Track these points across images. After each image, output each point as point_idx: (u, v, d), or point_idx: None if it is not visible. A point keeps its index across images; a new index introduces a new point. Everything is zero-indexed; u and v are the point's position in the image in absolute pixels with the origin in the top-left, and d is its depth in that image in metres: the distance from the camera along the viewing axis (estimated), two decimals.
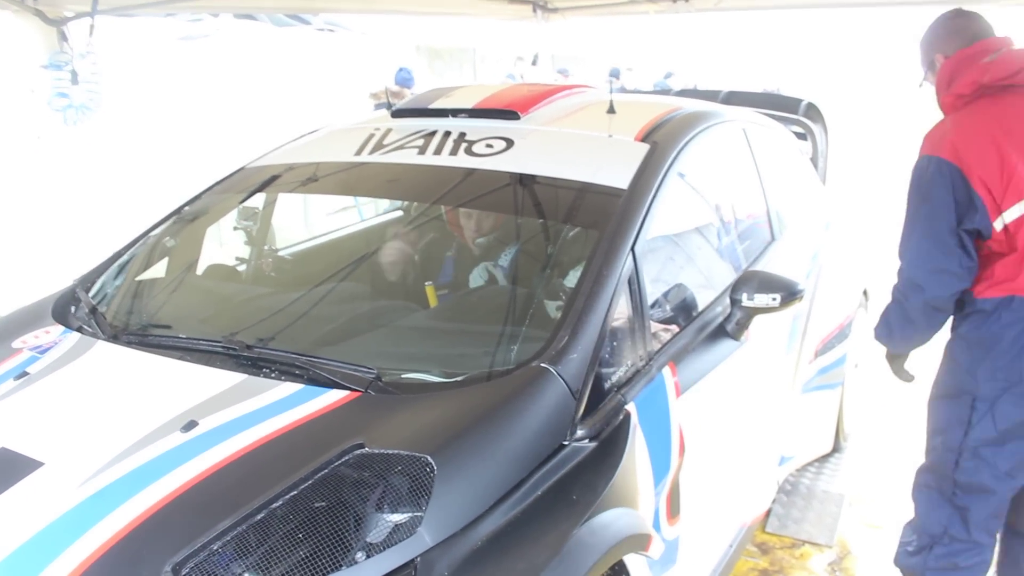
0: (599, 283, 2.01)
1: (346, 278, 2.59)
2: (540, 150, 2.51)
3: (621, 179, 2.31)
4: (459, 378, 1.87)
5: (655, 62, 15.65)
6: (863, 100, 16.46)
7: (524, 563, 1.48)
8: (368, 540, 1.48)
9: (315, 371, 1.90)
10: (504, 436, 1.68)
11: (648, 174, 2.35)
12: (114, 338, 2.20)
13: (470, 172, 2.45)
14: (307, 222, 3.06)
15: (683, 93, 4.56)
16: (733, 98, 4.42)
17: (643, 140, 2.51)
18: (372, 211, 3.06)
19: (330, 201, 2.97)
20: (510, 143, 2.53)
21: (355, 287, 2.54)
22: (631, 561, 1.87)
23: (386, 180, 2.61)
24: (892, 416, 4.40)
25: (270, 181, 2.79)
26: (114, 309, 2.44)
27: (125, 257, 2.68)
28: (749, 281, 2.39)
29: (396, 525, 1.50)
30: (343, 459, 1.59)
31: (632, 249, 2.13)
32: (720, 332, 2.42)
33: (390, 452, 1.60)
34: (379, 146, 2.67)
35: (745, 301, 2.37)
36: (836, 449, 3.91)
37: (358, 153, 2.68)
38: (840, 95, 15.43)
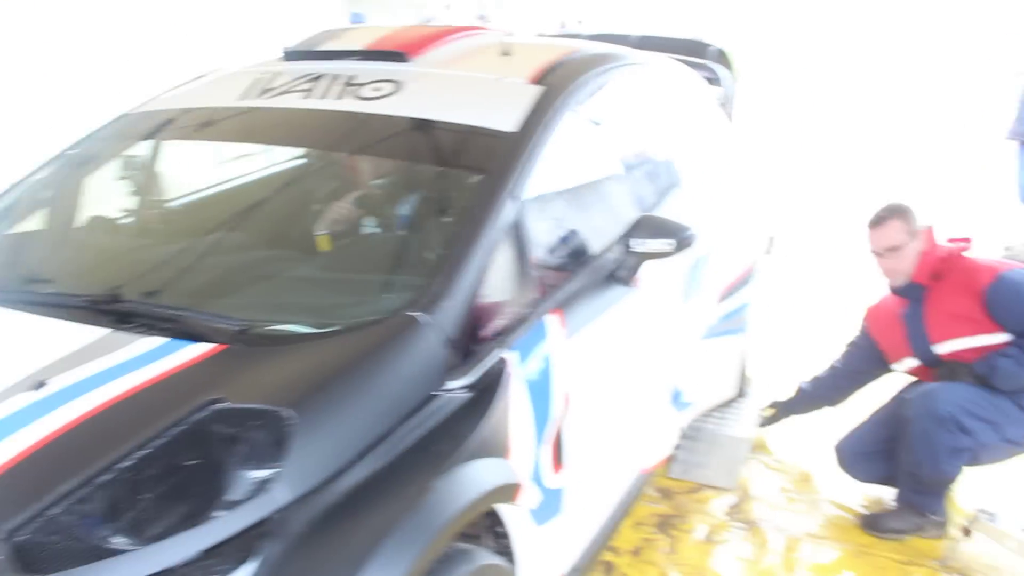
0: (478, 229, 1.96)
1: (233, 229, 2.49)
2: (428, 93, 2.43)
3: (510, 122, 2.25)
4: (329, 329, 1.81)
5: (604, 15, 15.44)
6: (785, 51, 16.56)
7: (379, 517, 1.45)
8: (222, 497, 1.42)
9: (179, 324, 1.82)
10: (369, 387, 1.63)
11: (538, 117, 2.28)
12: None
13: (355, 116, 2.36)
14: (198, 171, 2.93)
15: (596, 37, 4.49)
16: (645, 43, 4.36)
17: (537, 82, 2.44)
18: (272, 159, 2.93)
19: (225, 148, 2.83)
20: (398, 86, 2.44)
21: (241, 238, 2.44)
22: (506, 511, 1.85)
23: (269, 125, 2.51)
24: (794, 361, 4.49)
25: (151, 127, 2.67)
26: None
27: None
28: (642, 226, 2.36)
29: (252, 481, 1.45)
30: (199, 414, 1.53)
31: (517, 194, 2.08)
32: (612, 278, 2.39)
33: (248, 406, 1.54)
34: (265, 90, 2.56)
35: (637, 247, 2.34)
36: (741, 394, 3.96)
37: (242, 98, 2.56)
38: (762, 45, 15.53)
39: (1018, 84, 6.51)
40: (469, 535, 1.93)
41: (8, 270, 2.32)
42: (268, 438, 1.49)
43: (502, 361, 1.91)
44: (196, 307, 1.93)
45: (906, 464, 3.03)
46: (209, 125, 2.58)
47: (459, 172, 2.32)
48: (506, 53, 2.65)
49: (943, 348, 3.09)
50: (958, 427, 2.89)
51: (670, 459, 3.53)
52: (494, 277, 1.97)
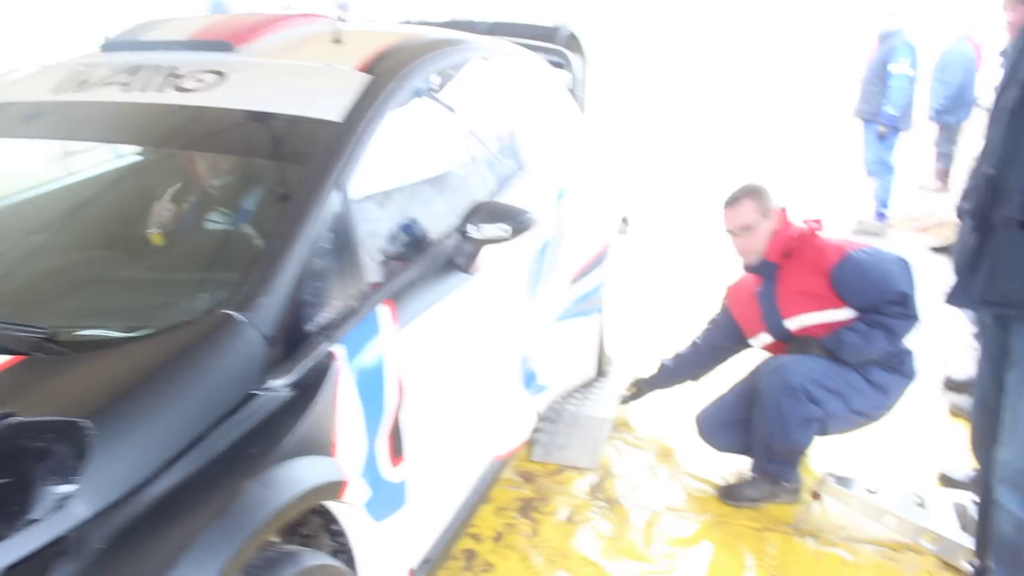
0: (299, 222, 1.90)
1: (51, 232, 2.36)
2: (253, 83, 2.35)
3: (335, 111, 2.20)
4: (141, 332, 1.73)
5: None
6: (639, 33, 16.92)
7: (183, 527, 1.39)
8: (12, 517, 1.33)
9: None
10: (178, 391, 1.56)
11: (365, 105, 2.24)
12: None
13: (174, 109, 2.26)
14: (19, 169, 2.76)
15: (449, 24, 4.46)
16: (496, 28, 4.37)
17: (366, 70, 2.40)
18: (99, 156, 2.77)
19: (52, 146, 2.67)
20: (222, 76, 2.35)
21: (59, 241, 2.31)
22: (338, 509, 1.81)
23: (84, 120, 2.37)
24: (650, 339, 4.59)
25: None
26: None
27: None
28: (478, 212, 2.35)
29: (46, 498, 1.36)
30: None
31: (342, 184, 2.03)
32: (450, 265, 2.38)
33: (41, 419, 1.44)
34: (81, 83, 2.42)
35: (474, 233, 2.33)
36: (601, 374, 4.01)
37: (56, 91, 2.42)
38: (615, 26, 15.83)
39: (863, 66, 6.83)
40: (306, 535, 1.90)
41: None
42: (64, 451, 1.41)
43: (330, 356, 1.87)
44: None
45: (760, 434, 3.13)
46: (19, 121, 2.42)
47: (282, 164, 2.25)
48: (337, 41, 2.59)
49: (793, 323, 3.20)
50: (808, 397, 3.01)
51: (531, 443, 3.55)
52: (319, 270, 1.92)
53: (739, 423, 3.29)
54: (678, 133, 10.99)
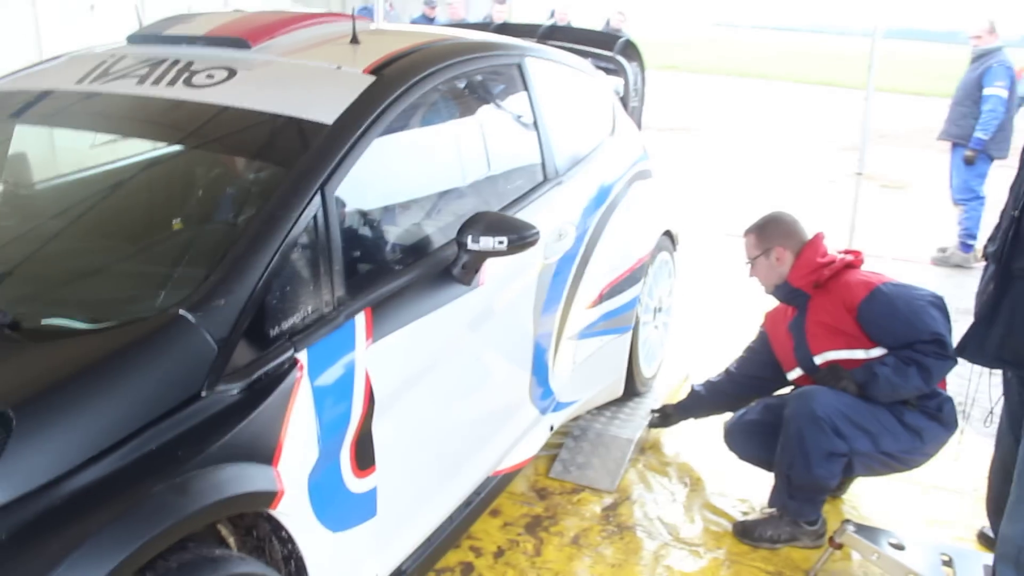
0: (269, 225, 1.88)
1: (49, 220, 2.39)
2: (260, 82, 2.35)
3: (328, 114, 2.17)
4: (102, 325, 1.73)
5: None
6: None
7: (80, 526, 1.37)
8: None
9: None
10: (112, 387, 1.55)
11: (361, 109, 2.20)
12: None
13: (176, 104, 2.27)
14: (56, 156, 2.83)
15: (501, 27, 4.43)
16: (554, 33, 4.32)
17: (372, 73, 2.37)
18: (132, 147, 2.82)
19: (89, 133, 2.74)
20: (232, 73, 2.36)
21: (58, 230, 2.33)
22: (284, 517, 1.78)
23: (95, 111, 2.41)
24: (699, 360, 4.44)
25: None
26: None
27: None
28: (476, 223, 2.29)
29: None
30: None
31: (322, 189, 2.00)
32: (445, 276, 2.32)
33: None
34: (105, 74, 2.47)
35: (470, 244, 2.27)
36: (634, 394, 3.90)
37: (80, 81, 2.47)
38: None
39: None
40: (260, 539, 1.87)
41: None
42: None
43: (292, 362, 1.84)
44: None
45: (781, 464, 2.98)
46: (40, 110, 2.48)
47: (267, 165, 2.23)
48: (355, 41, 2.57)
49: (821, 359, 3.05)
50: (833, 430, 2.85)
51: (551, 458, 3.47)
52: (289, 275, 1.89)
53: (763, 434, 3.14)
54: (751, 145, 10.76)
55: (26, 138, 2.55)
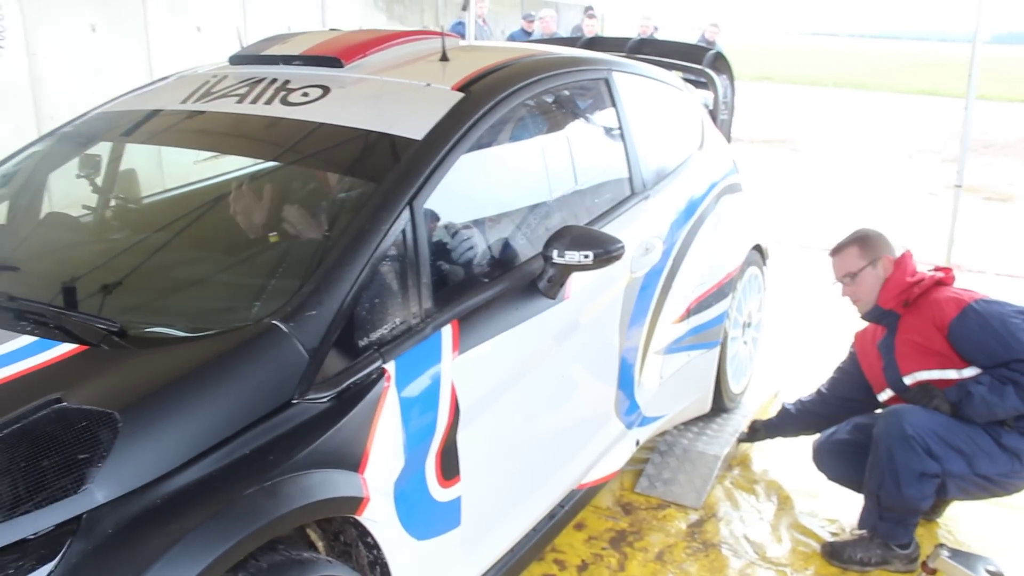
0: (359, 238, 1.93)
1: (153, 233, 2.51)
2: (352, 100, 2.42)
3: (418, 130, 2.23)
4: (198, 334, 1.81)
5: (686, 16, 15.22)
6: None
7: (179, 524, 1.44)
8: (37, 495, 1.43)
9: (56, 323, 1.85)
10: (210, 393, 1.63)
11: (449, 125, 2.25)
12: None
13: (273, 122, 2.37)
14: (163, 171, 2.97)
15: (590, 42, 4.45)
16: (643, 47, 4.32)
17: (460, 89, 2.42)
18: (231, 163, 2.95)
19: (184, 151, 2.88)
20: (326, 91, 2.44)
21: (158, 242, 2.45)
22: (371, 524, 1.82)
23: (197, 129, 2.54)
24: (792, 373, 4.36)
25: (102, 128, 2.72)
26: None
27: None
28: (562, 237, 2.31)
29: (68, 481, 1.45)
30: (35, 413, 1.54)
31: (411, 203, 2.05)
32: (531, 289, 2.35)
33: (82, 407, 1.55)
34: (207, 94, 2.59)
35: (556, 258, 2.29)
36: (722, 410, 3.85)
37: (185, 100, 2.60)
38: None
39: None
40: (347, 544, 1.93)
41: None
42: (91, 440, 1.50)
43: (380, 372, 1.89)
44: (85, 308, 1.95)
45: (870, 484, 2.91)
46: (147, 128, 2.62)
47: (360, 180, 2.30)
48: (444, 59, 2.63)
49: (911, 380, 2.96)
50: (924, 450, 2.77)
51: (637, 473, 3.46)
52: (379, 287, 1.95)
53: (855, 454, 3.07)
54: (849, 157, 10.49)
55: (136, 155, 2.69)
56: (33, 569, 1.36)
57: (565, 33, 11.38)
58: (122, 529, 1.43)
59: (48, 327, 1.85)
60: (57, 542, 1.40)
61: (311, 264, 1.95)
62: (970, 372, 2.83)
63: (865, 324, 3.24)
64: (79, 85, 6.83)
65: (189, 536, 1.42)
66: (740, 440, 3.67)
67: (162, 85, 2.88)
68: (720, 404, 3.78)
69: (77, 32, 7.02)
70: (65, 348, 1.76)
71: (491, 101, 2.40)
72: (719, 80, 4.07)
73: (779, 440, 3.65)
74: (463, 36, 7.82)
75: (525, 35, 10.32)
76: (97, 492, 1.45)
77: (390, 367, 1.91)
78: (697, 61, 4.16)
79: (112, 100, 2.87)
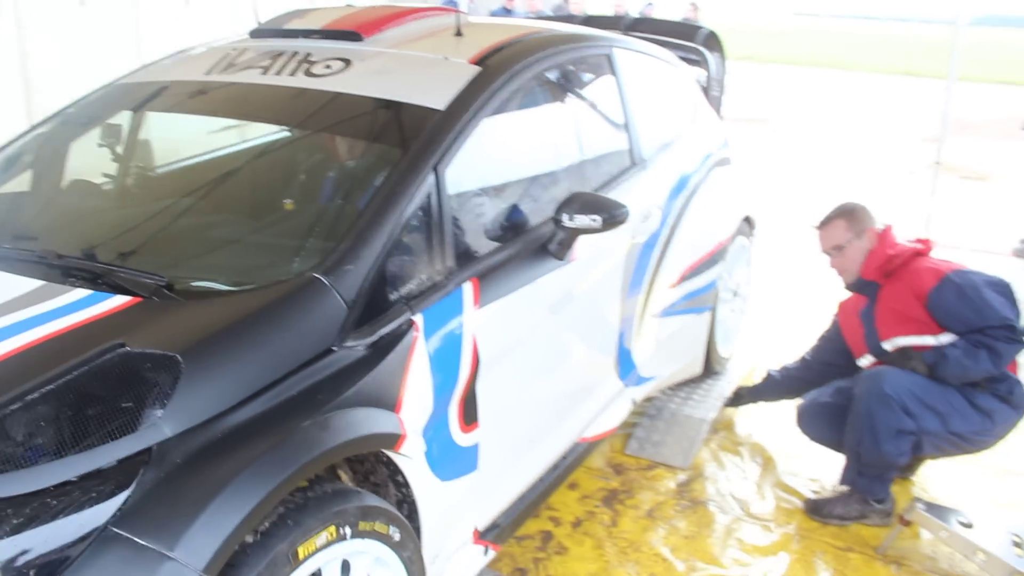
0: (389, 200, 2.09)
1: (185, 196, 2.64)
2: (373, 72, 2.56)
3: (440, 100, 2.37)
4: (243, 287, 1.96)
5: None
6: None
7: (243, 452, 1.60)
8: (111, 428, 1.58)
9: (107, 278, 1.98)
10: (262, 340, 1.78)
11: (469, 96, 2.40)
12: None
13: (299, 92, 2.50)
14: (179, 140, 3.09)
15: (588, 20, 4.58)
16: (638, 25, 4.45)
17: (477, 63, 2.56)
18: (257, 131, 3.07)
19: (210, 120, 3.00)
20: (348, 64, 2.57)
21: (199, 204, 2.58)
22: (403, 463, 1.98)
23: (224, 99, 2.66)
24: (775, 341, 4.55)
25: (120, 98, 2.85)
26: None
27: None
28: (572, 202, 2.47)
29: (139, 416, 1.60)
30: (101, 356, 1.68)
31: (436, 168, 2.20)
32: (542, 251, 2.51)
33: (144, 351, 1.69)
34: (230, 65, 2.71)
35: (566, 222, 2.45)
36: (710, 373, 4.03)
37: (208, 72, 2.72)
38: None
39: None
40: (376, 483, 2.09)
41: None
42: (158, 380, 1.65)
43: (409, 323, 2.04)
44: (129, 264, 2.08)
45: (850, 441, 3.09)
46: (173, 98, 2.74)
47: (386, 147, 2.44)
48: (458, 34, 2.76)
49: (890, 345, 3.15)
50: (902, 408, 2.95)
51: (626, 436, 3.62)
52: (407, 246, 2.10)
53: (836, 416, 3.23)
54: (829, 136, 10.67)
55: (168, 124, 2.81)
56: (113, 494, 1.51)
57: (548, 10, 11.44)
58: (190, 459, 1.58)
59: (97, 282, 1.99)
60: (132, 471, 1.55)
61: (344, 224, 2.10)
62: (946, 338, 3.01)
63: (847, 295, 3.42)
64: (68, 58, 6.87)
65: (255, 462, 1.58)
66: (726, 405, 3.86)
67: (184, 56, 3.00)
68: (710, 367, 3.97)
69: (66, 5, 7.07)
70: (119, 300, 1.90)
71: (506, 74, 2.54)
72: (712, 58, 4.22)
73: (762, 405, 3.83)
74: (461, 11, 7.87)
75: (505, 12, 10.36)
76: (165, 426, 1.60)
77: (418, 319, 2.06)
78: (690, 40, 4.31)
79: (133, 71, 2.98)
